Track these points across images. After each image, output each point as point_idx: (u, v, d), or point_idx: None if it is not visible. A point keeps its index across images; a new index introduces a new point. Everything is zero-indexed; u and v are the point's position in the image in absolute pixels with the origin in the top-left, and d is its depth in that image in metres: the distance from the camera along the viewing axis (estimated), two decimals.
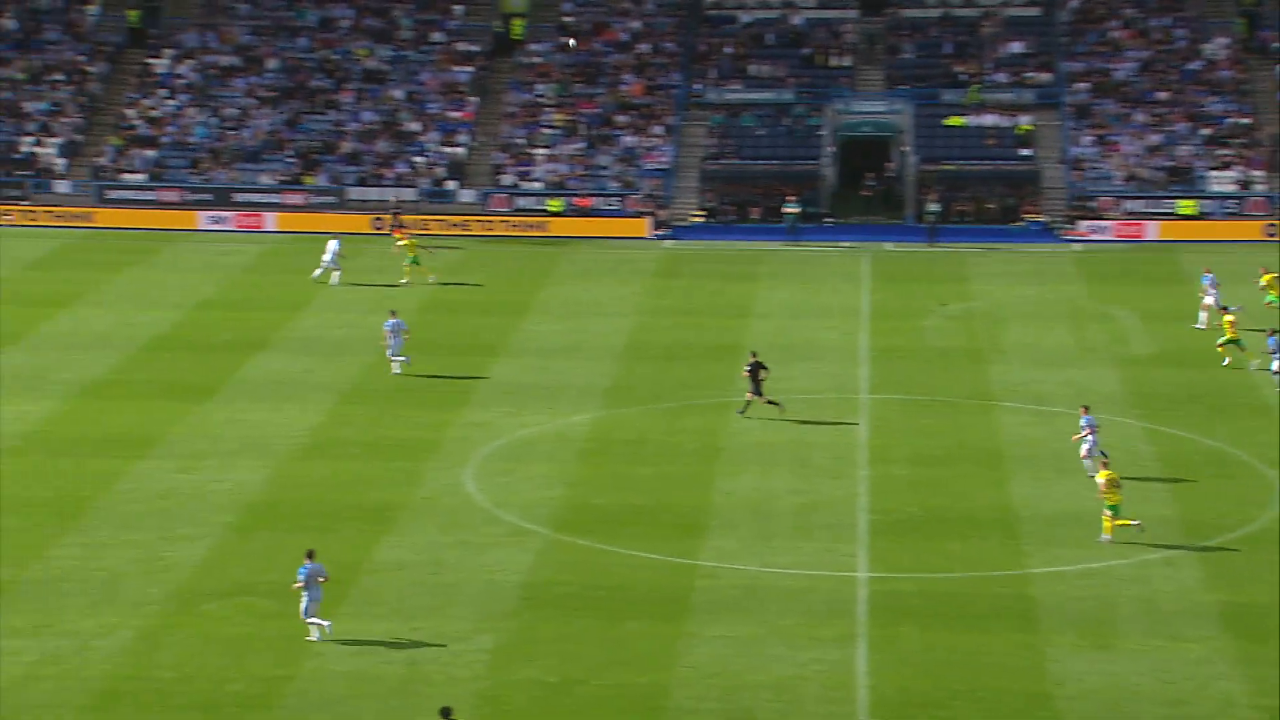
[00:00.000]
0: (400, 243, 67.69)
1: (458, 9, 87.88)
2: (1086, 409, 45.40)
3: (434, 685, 33.59)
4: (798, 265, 70.09)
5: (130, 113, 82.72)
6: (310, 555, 36.00)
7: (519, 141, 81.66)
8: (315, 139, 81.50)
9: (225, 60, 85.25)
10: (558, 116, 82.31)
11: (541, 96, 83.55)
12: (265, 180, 79.67)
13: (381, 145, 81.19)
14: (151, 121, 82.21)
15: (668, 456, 47.21)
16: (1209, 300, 59.03)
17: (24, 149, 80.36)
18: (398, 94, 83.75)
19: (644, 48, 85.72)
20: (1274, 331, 52.89)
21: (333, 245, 66.15)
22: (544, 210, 78.12)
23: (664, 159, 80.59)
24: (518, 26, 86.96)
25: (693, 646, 35.47)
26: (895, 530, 41.66)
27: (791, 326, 60.15)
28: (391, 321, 54.52)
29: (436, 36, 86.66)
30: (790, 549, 40.55)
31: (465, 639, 35.63)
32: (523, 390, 52.67)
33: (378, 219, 75.74)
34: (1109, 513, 40.37)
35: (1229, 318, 54.52)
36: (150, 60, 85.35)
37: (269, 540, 40.81)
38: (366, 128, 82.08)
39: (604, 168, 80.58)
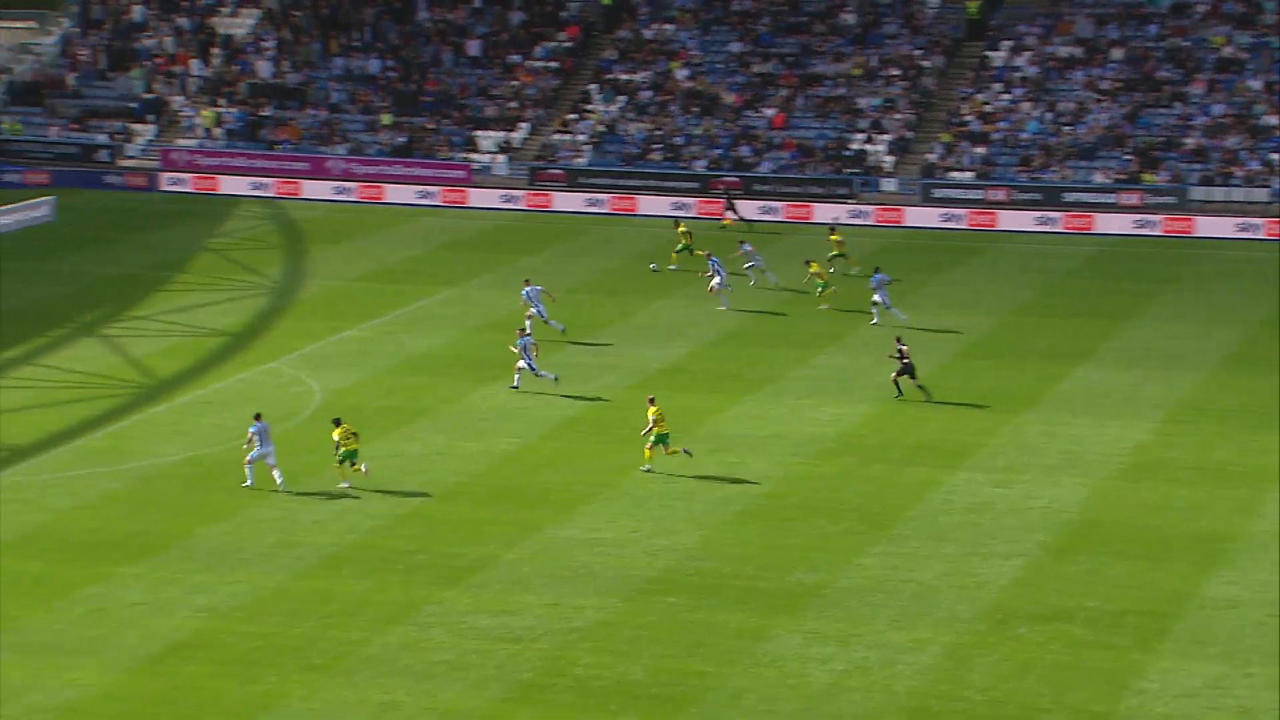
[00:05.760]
0: (725, 225, 73.66)
1: None
2: (523, 330, 53.69)
3: None
4: None
5: (963, 108, 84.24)
6: (258, 417, 44.81)
7: None
8: (1157, 134, 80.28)
9: (1065, 52, 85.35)
10: None
11: None
12: (1099, 179, 79.21)
13: (1231, 141, 78.98)
14: (984, 117, 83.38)
15: None
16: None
17: (854, 146, 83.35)
18: (1254, 84, 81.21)
19: None
20: (877, 269, 60.87)
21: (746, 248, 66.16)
22: None
23: None
24: None
25: None
26: None
27: None
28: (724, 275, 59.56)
29: None
30: None
31: None
32: None
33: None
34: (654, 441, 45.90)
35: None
36: (987, 53, 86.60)
37: (1088, 564, 40.49)
38: (1216, 122, 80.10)
39: None
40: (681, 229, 69.37)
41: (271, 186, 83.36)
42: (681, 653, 36.27)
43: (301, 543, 41.88)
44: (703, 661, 35.86)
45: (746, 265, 65.95)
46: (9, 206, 76.62)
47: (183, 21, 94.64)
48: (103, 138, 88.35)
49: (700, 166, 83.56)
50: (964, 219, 77.53)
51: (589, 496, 44.95)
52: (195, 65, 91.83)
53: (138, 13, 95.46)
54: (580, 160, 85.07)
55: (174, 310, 63.63)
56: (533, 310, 58.33)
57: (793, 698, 34.44)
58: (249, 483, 45.00)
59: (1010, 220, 77.25)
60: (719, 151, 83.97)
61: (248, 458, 44.98)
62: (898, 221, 77.99)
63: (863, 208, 78.96)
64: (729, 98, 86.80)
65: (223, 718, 33.76)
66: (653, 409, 46.44)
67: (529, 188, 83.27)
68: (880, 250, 72.98)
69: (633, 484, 45.87)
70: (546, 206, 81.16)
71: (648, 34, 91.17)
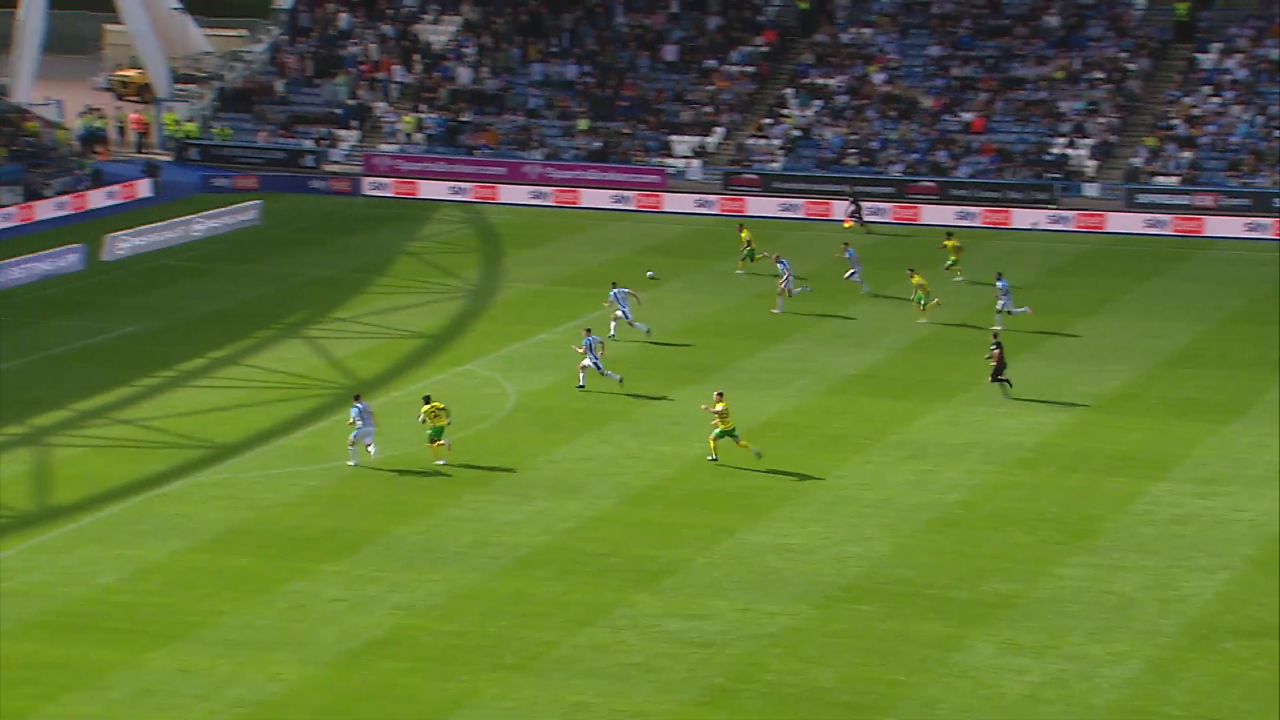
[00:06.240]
0: (847, 225, 74.45)
1: None
2: (589, 330, 54.23)
3: None
4: None
5: (1169, 111, 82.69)
6: (358, 398, 47.60)
7: None
8: None
9: (1277, 54, 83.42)
10: None
11: None
12: None
13: None
14: (1190, 121, 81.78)
15: None
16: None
17: (1054, 150, 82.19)
18: None
19: None
20: (1000, 275, 60.58)
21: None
22: None
23: None
24: None
25: None
26: None
27: None
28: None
29: None
30: None
31: None
32: None
33: None
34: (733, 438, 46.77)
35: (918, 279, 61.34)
36: (1196, 55, 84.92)
37: None
38: None
39: None
40: (745, 234, 69.14)
41: (470, 191, 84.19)
42: (873, 661, 35.95)
43: (495, 543, 42.23)
44: (895, 670, 35.52)
45: (848, 274, 65.25)
46: (219, 210, 78.24)
47: (386, 29, 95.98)
48: (308, 143, 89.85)
49: (897, 171, 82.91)
50: (1169, 225, 76.08)
51: (780, 501, 44.77)
52: (398, 72, 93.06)
53: (344, 21, 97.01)
54: (775, 165, 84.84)
55: (374, 312, 64.51)
56: (619, 311, 58.77)
57: (987, 709, 33.98)
58: (352, 463, 46.88)
59: (1217, 226, 75.64)
60: (916, 156, 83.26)
61: (350, 438, 47.00)
62: (1099, 227, 76.74)
63: (1063, 213, 77.77)
64: (927, 101, 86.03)
65: (418, 714, 34.12)
66: (720, 403, 47.03)
67: (723, 192, 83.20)
68: (1081, 256, 71.90)
69: (823, 490, 45.59)
70: (741, 211, 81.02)
71: (845, 38, 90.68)
